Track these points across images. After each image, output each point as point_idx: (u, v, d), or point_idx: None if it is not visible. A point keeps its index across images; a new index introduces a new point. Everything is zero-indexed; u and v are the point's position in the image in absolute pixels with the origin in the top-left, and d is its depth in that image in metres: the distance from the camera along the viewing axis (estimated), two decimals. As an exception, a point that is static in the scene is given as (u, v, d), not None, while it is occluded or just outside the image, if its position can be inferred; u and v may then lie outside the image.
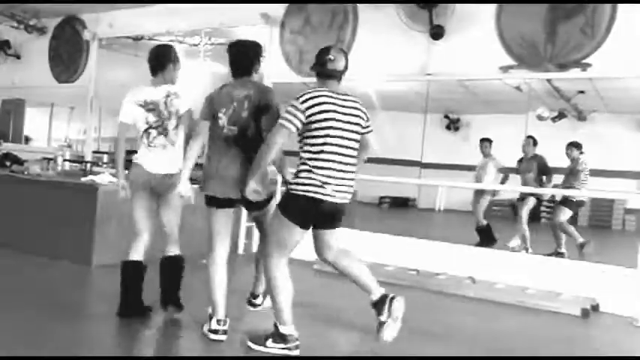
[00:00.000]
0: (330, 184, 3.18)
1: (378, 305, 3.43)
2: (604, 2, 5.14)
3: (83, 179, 5.86)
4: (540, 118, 10.54)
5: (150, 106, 3.78)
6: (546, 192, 8.02)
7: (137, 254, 3.79)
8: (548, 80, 7.63)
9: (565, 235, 7.40)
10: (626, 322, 4.74)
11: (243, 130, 3.49)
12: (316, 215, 3.26)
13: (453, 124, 14.35)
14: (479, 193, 8.17)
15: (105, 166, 8.39)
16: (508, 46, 5.62)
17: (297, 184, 3.20)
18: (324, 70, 3.31)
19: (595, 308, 4.98)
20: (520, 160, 7.81)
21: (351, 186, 3.32)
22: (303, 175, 3.19)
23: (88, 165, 7.45)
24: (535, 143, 7.67)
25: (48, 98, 11.54)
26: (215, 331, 3.47)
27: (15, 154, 8.12)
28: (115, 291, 3.80)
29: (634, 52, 5.08)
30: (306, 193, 3.17)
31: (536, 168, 7.51)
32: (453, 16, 5.85)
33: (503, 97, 10.04)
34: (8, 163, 7.31)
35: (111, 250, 4.79)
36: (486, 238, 7.73)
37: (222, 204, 3.51)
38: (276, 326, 3.28)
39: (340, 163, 3.23)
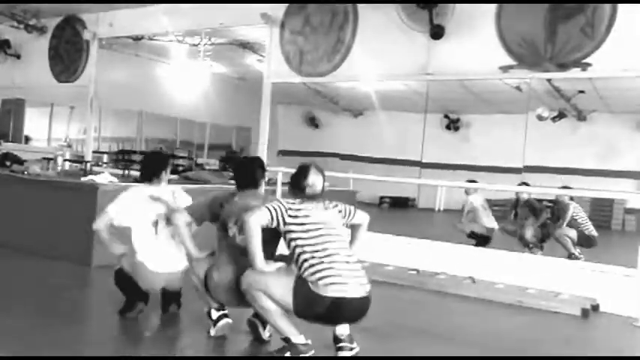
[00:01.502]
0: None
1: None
2: (604, 2, 5.14)
3: (83, 179, 5.86)
4: (540, 117, 10.53)
5: (158, 199, 3.87)
6: (545, 192, 8.01)
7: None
8: (548, 80, 7.62)
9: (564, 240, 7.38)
10: (626, 322, 4.73)
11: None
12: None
13: (452, 124, 14.33)
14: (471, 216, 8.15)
15: (105, 165, 8.41)
16: (508, 46, 5.62)
17: None
18: (303, 194, 3.35)
19: (595, 308, 4.97)
20: (515, 203, 7.74)
21: None
22: None
23: (88, 165, 7.46)
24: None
25: (48, 98, 11.56)
26: (219, 319, 3.53)
27: (15, 153, 8.13)
28: (115, 291, 3.80)
29: (634, 52, 5.08)
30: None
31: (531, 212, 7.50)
32: (453, 16, 5.85)
33: (503, 97, 10.03)
34: (8, 163, 7.32)
35: (111, 250, 4.78)
36: (480, 238, 7.73)
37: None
38: (287, 339, 3.17)
39: None
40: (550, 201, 9.15)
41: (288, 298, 3.10)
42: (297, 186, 3.37)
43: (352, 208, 3.47)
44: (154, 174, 3.97)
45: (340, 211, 3.40)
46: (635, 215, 13.17)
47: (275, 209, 3.21)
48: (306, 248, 3.16)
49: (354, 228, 3.50)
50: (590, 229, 7.34)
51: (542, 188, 7.85)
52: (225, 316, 3.55)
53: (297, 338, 3.14)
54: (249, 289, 3.19)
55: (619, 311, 4.90)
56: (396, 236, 6.32)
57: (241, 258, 3.36)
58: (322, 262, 3.11)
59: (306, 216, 3.23)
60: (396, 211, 13.69)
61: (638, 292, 4.82)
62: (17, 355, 3.03)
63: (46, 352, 3.10)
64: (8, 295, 4.22)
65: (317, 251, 3.13)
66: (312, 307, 3.07)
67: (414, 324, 4.31)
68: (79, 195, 5.51)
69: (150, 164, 4.08)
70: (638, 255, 4.90)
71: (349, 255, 3.25)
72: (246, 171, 3.68)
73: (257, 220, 3.17)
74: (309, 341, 3.15)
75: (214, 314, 3.55)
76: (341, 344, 3.26)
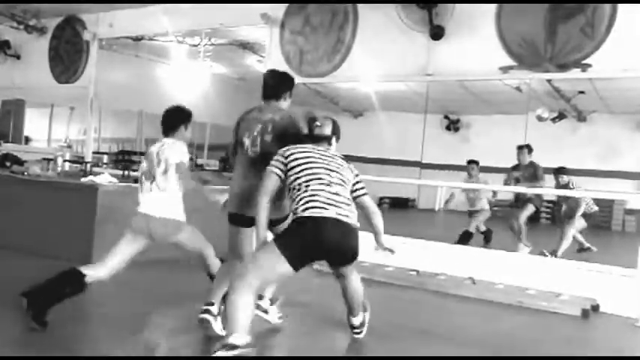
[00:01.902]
0: None
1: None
2: (604, 2, 5.14)
3: (83, 179, 5.86)
4: (540, 118, 10.54)
5: (147, 156, 3.96)
6: (544, 192, 8.02)
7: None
8: (548, 80, 7.63)
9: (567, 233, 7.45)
10: (626, 323, 4.73)
11: (265, 152, 3.52)
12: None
13: (452, 125, 14.37)
14: (475, 210, 8.20)
15: (105, 166, 8.41)
16: (508, 47, 5.62)
17: None
18: (313, 136, 3.57)
19: (595, 308, 4.97)
20: (515, 168, 7.69)
21: None
22: None
23: (88, 165, 7.45)
24: (530, 151, 7.61)
25: (48, 98, 11.55)
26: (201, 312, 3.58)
27: (15, 154, 8.11)
28: (114, 291, 3.80)
29: (634, 53, 5.08)
30: None
31: (532, 174, 7.49)
32: (453, 16, 5.85)
33: (503, 97, 10.04)
34: (8, 164, 7.31)
35: (111, 251, 4.79)
36: (463, 238, 7.77)
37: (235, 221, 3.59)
38: (227, 336, 2.97)
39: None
40: (550, 202, 9.17)
41: (281, 265, 3.08)
42: (308, 128, 3.59)
43: (362, 183, 3.59)
44: (172, 127, 3.97)
45: (349, 169, 3.51)
46: (635, 216, 13.18)
47: (274, 164, 3.35)
48: (301, 180, 3.27)
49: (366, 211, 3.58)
50: (592, 206, 7.69)
51: (542, 189, 7.84)
52: (207, 312, 3.53)
53: (242, 339, 2.94)
54: (237, 278, 3.07)
55: (619, 311, 4.90)
56: (396, 236, 6.31)
57: (251, 169, 3.54)
58: (307, 192, 3.22)
59: (306, 151, 3.37)
60: (396, 212, 13.70)
61: (638, 293, 4.82)
62: (17, 355, 3.03)
63: (46, 352, 3.10)
64: (8, 295, 4.21)
65: (309, 185, 3.25)
66: (298, 240, 3.15)
67: (414, 324, 4.31)
68: (79, 195, 5.51)
69: (167, 117, 4.03)
70: (638, 255, 4.90)
71: (343, 194, 3.33)
72: (270, 81, 3.76)
73: (266, 192, 3.28)
74: (250, 340, 2.97)
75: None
76: (355, 330, 3.65)
